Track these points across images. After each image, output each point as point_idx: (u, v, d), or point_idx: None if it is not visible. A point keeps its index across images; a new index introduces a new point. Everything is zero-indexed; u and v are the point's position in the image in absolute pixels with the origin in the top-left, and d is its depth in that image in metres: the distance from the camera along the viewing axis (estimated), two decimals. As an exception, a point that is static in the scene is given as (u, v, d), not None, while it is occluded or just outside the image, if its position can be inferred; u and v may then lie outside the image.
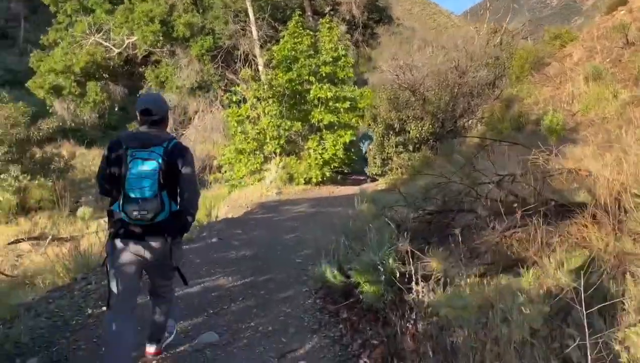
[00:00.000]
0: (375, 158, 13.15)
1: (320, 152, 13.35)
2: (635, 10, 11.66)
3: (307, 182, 13.01)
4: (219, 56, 15.41)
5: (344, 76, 13.95)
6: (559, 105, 9.35)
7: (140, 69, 16.66)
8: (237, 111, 13.81)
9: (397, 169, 12.99)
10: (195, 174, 2.97)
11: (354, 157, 14.89)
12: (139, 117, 2.81)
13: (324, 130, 13.91)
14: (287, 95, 13.44)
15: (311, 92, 13.41)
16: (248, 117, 13.58)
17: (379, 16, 21.19)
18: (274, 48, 13.91)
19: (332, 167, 13.45)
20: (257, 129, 13.34)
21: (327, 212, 9.09)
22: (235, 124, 13.75)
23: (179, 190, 2.79)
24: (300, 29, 14.01)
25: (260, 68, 14.48)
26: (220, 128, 15.79)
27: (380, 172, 13.24)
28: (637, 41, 9.42)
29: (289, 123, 13.23)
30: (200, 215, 8.59)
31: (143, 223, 2.66)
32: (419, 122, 12.40)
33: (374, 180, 14.28)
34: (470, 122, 12.62)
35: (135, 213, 2.61)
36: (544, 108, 9.92)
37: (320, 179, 12.98)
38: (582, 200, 4.45)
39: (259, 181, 13.11)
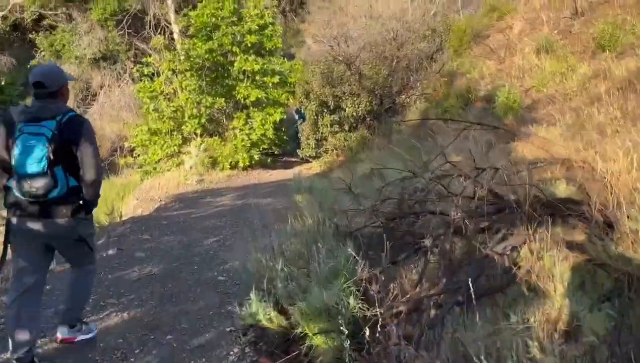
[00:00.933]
0: (308, 138, 12.04)
1: (247, 132, 12.05)
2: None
3: (233, 166, 11.69)
4: (125, 22, 13.33)
5: (272, 47, 12.62)
6: (509, 80, 8.69)
7: (31, 36, 14.20)
8: (150, 86, 12.10)
9: (332, 150, 11.99)
10: (96, 148, 2.74)
11: (284, 138, 13.70)
12: (32, 90, 2.66)
13: (250, 108, 12.59)
14: (207, 68, 11.93)
15: (235, 64, 11.99)
16: (162, 92, 11.92)
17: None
18: (191, 13, 12.23)
19: (260, 149, 12.21)
20: (173, 106, 11.75)
21: (257, 204, 7.93)
22: (148, 101, 12.04)
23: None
24: (221, -9, 12.42)
25: (176, 36, 12.75)
26: (131, 105, 13.90)
27: (314, 153, 12.16)
28: (587, 11, 8.90)
29: (210, 99, 11.77)
30: (100, 214, 7.11)
31: (37, 200, 2.56)
32: (355, 98, 11.40)
33: (306, 161, 13.21)
34: (409, 98, 11.79)
35: (25, 189, 2.52)
36: (492, 83, 9.25)
37: (248, 163, 11.72)
38: (579, 198, 3.62)
39: (177, 166, 11.60)
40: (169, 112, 11.68)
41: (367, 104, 11.40)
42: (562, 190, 3.95)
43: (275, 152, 13.71)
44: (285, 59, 13.50)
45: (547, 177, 4.17)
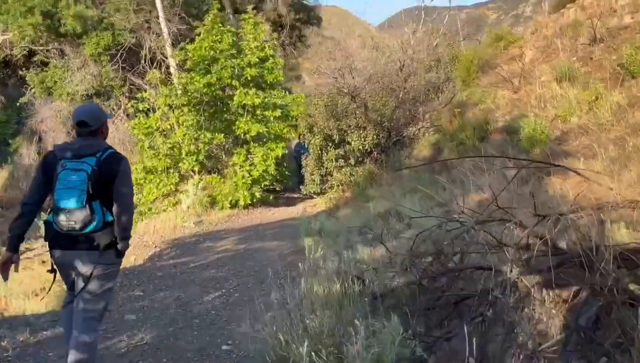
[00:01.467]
0: (313, 174, 11.47)
1: (248, 168, 11.46)
2: (588, 6, 10.93)
3: (234, 205, 11.06)
4: (120, 56, 12.87)
5: (273, 80, 12.20)
6: (528, 110, 8.18)
7: (21, 72, 13.74)
8: (145, 122, 11.58)
9: (338, 185, 11.41)
10: (131, 185, 2.95)
11: (286, 173, 13.12)
12: (75, 129, 2.86)
13: (251, 143, 12.05)
14: (205, 103, 11.46)
15: (235, 98, 11.52)
16: (158, 128, 11.38)
17: (306, 16, 19.61)
18: (189, 47, 11.84)
19: (262, 186, 11.58)
20: (169, 142, 11.21)
21: (262, 249, 7.27)
22: (143, 138, 11.51)
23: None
24: (220, 24, 12.05)
25: (172, 70, 12.34)
26: (125, 142, 13.33)
27: (319, 189, 11.57)
28: (605, 37, 8.48)
29: (208, 135, 11.24)
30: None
31: (74, 233, 2.68)
32: (361, 132, 10.90)
33: (310, 198, 12.61)
34: (419, 131, 11.30)
35: (63, 223, 2.64)
36: (509, 113, 8.76)
37: (249, 201, 11.09)
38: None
39: (174, 206, 10.95)
40: (165, 149, 11.14)
41: (374, 137, 10.90)
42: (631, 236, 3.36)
43: (277, 188, 13.12)
44: (287, 92, 13.07)
45: (609, 219, 3.57)
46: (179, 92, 11.36)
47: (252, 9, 12.79)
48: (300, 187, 12.10)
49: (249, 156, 11.80)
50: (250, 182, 11.24)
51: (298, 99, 12.48)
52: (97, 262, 2.73)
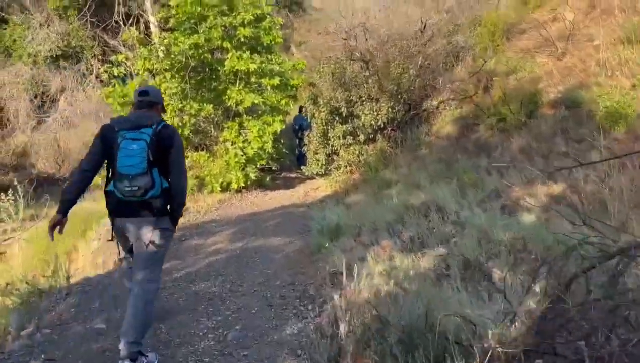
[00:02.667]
0: (317, 153, 10.03)
1: (241, 145, 10.00)
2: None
3: (225, 188, 9.63)
4: (89, 10, 11.01)
5: (270, 42, 10.59)
6: (589, 78, 6.79)
7: (-24, 30, 11.96)
8: (121, 89, 9.97)
9: (345, 166, 10.00)
10: (184, 156, 3.20)
11: (283, 150, 11.64)
12: (135, 99, 3.16)
13: (244, 116, 10.55)
14: (192, 68, 9.86)
15: (226, 63, 9.96)
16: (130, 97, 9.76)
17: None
18: (173, 2, 10.16)
19: (257, 165, 10.12)
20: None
21: (263, 249, 5.90)
22: (119, 108, 9.91)
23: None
24: (209, -24, 10.39)
25: (153, 29, 10.67)
26: (99, 113, 11.69)
27: (323, 171, 10.14)
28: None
29: (195, 106, 9.72)
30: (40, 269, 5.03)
31: (135, 199, 2.89)
32: (374, 104, 9.44)
33: (310, 179, 11.20)
34: (444, 104, 9.86)
35: (127, 189, 2.85)
36: (561, 83, 7.35)
37: (242, 184, 9.63)
38: None
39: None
40: (145, 121, 9.57)
41: (389, 110, 9.46)
42: None
43: (273, 168, 11.68)
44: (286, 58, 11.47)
45: None
46: (161, 54, 9.76)
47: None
48: (302, 167, 10.66)
49: (242, 131, 10.32)
50: (244, 161, 9.80)
51: (299, 65, 10.92)
52: (154, 226, 2.99)
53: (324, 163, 10.03)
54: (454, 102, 10.06)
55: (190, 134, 10.05)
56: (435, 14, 10.26)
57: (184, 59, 9.71)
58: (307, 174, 10.58)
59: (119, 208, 2.95)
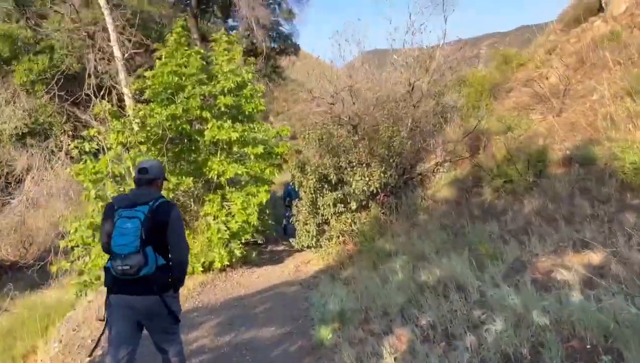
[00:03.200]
0: (306, 223, 9.32)
1: (224, 219, 9.27)
2: (620, 17, 9.48)
3: (207, 268, 8.77)
4: (57, 83, 10.40)
5: (252, 110, 10.13)
6: (594, 133, 6.39)
7: (-61, 109, 11.30)
8: (93, 165, 9.25)
9: (337, 236, 9.31)
10: (183, 231, 3.27)
11: (270, 222, 10.93)
12: (135, 177, 3.24)
13: (226, 188, 9.89)
14: (169, 139, 9.28)
15: (206, 133, 9.45)
16: (109, 174, 9.07)
17: (283, 44, 17.87)
18: (148, 73, 9.75)
19: (242, 240, 9.34)
20: (124, 191, 8.86)
21: (256, 344, 5.06)
22: (90, 185, 9.13)
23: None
24: (185, 46, 10.06)
25: (127, 101, 10.18)
26: (70, 192, 10.89)
27: (313, 242, 9.39)
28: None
29: (174, 179, 9.06)
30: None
31: (129, 277, 2.92)
32: (365, 169, 8.91)
33: (298, 251, 10.42)
34: (434, 167, 9.41)
35: (119, 267, 2.91)
36: (566, 140, 6.94)
37: (227, 262, 8.80)
38: None
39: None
40: (118, 199, 8.81)
41: (381, 175, 8.92)
42: None
43: (259, 241, 10.91)
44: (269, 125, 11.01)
45: None
46: (136, 126, 9.18)
47: (222, 35, 10.83)
48: (290, 239, 9.90)
49: (224, 204, 9.63)
50: (227, 237, 9.02)
51: (283, 132, 10.44)
52: (155, 304, 3.01)
53: (314, 234, 9.32)
54: (447, 164, 9.64)
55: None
56: (421, 75, 10.03)
57: (160, 131, 9.16)
58: (296, 246, 9.82)
59: (114, 285, 3.02)
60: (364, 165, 9.05)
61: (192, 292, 7.80)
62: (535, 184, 6.33)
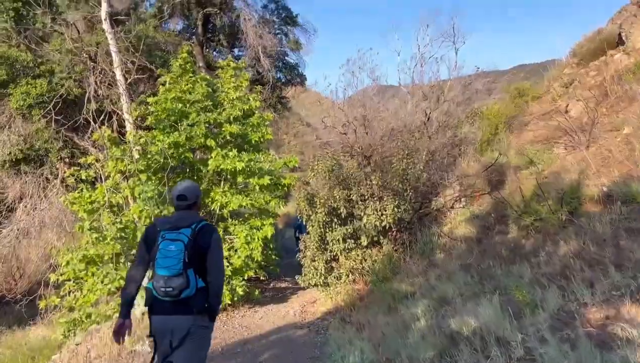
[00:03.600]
0: (314, 260, 8.73)
1: (226, 254, 8.65)
2: (643, 50, 9.14)
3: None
4: (54, 107, 9.88)
5: (259, 140, 9.69)
6: (633, 169, 5.90)
7: None
8: (89, 194, 8.76)
9: (347, 275, 8.71)
10: (222, 255, 3.33)
11: (274, 257, 10.32)
12: (175, 202, 3.35)
13: (229, 220, 9.35)
14: (171, 168, 8.77)
15: (210, 162, 8.95)
16: (105, 204, 8.56)
17: (289, 74, 17.65)
18: (151, 100, 9.35)
19: (244, 277, 8.73)
20: (121, 222, 8.32)
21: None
22: (86, 216, 8.61)
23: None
24: (191, 72, 9.70)
25: (129, 128, 9.75)
26: (63, 222, 10.33)
27: (321, 281, 8.77)
28: None
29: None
30: None
31: (171, 299, 3.00)
32: (377, 203, 8.39)
33: (302, 289, 9.80)
34: (450, 202, 8.89)
35: (162, 289, 2.98)
36: (601, 176, 6.43)
37: (228, 302, 8.18)
38: None
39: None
40: (114, 231, 8.24)
41: (394, 210, 8.38)
42: None
43: (261, 277, 10.30)
44: (275, 156, 10.52)
45: None
46: (136, 154, 8.70)
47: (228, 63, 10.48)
48: (296, 277, 9.28)
49: (227, 237, 9.05)
50: (229, 273, 8.41)
51: (291, 162, 9.96)
52: (191, 324, 3.03)
53: (322, 271, 8.71)
54: (464, 199, 9.13)
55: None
56: (435, 106, 9.63)
57: (162, 159, 8.67)
58: (301, 283, 9.18)
59: (155, 306, 3.07)
60: (376, 198, 8.53)
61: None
62: (570, 223, 5.79)
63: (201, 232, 3.12)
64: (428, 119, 8.75)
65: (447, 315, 5.43)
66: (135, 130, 9.52)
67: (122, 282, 8.31)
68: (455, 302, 5.82)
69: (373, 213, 8.44)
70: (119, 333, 3.11)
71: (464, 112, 11.22)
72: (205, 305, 3.12)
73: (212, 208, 9.19)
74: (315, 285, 8.91)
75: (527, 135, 10.01)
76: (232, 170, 8.90)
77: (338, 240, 8.71)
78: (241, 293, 8.38)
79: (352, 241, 8.78)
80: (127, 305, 3.16)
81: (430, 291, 6.77)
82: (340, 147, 9.10)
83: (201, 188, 9.92)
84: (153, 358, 3.15)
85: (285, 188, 9.84)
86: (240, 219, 9.79)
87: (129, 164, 8.37)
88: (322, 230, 8.77)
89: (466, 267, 7.07)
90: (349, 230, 8.73)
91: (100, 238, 8.35)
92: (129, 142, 8.75)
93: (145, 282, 3.26)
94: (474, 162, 10.13)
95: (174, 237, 3.03)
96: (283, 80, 17.82)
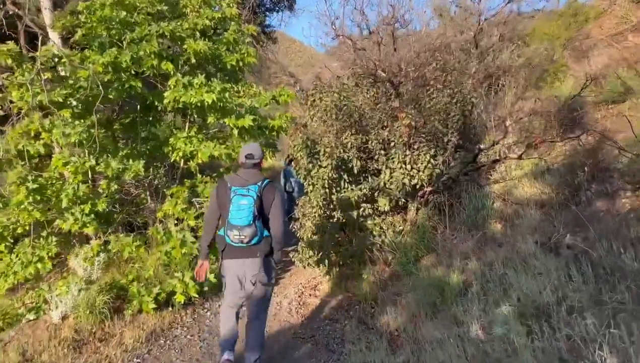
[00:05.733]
0: (316, 233, 6.20)
1: (192, 223, 6.11)
2: None
3: (164, 304, 5.57)
4: None
5: (237, 64, 6.88)
6: None
7: None
8: (-5, 140, 5.99)
9: (361, 253, 6.26)
10: (284, 208, 3.86)
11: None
12: (243, 160, 3.78)
13: (198, 177, 6.73)
14: (119, 107, 6.01)
15: (166, 94, 6.17)
16: (10, 151, 5.83)
17: (271, -2, 14.44)
18: (82, 5, 6.41)
19: (218, 257, 6.15)
20: (35, 181, 5.59)
21: None
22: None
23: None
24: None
25: (56, 45, 6.86)
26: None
27: (326, 260, 6.28)
28: None
29: (114, 164, 5.78)
30: None
31: (241, 245, 3.58)
32: (406, 153, 5.82)
33: (293, 264, 7.28)
34: (500, 151, 6.35)
35: (236, 237, 3.53)
36: None
37: (195, 294, 5.63)
38: None
39: (41, 310, 5.38)
40: (25, 193, 5.52)
41: (430, 161, 5.85)
42: None
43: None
44: (260, 89, 7.72)
45: None
46: (58, 74, 5.89)
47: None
48: (291, 255, 6.72)
49: (195, 201, 6.44)
50: (197, 251, 5.84)
51: (282, 96, 7.18)
52: (260, 266, 3.65)
53: (327, 247, 6.21)
54: (517, 147, 6.59)
55: (107, 210, 6.02)
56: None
57: (94, 86, 5.85)
58: (298, 262, 6.66)
59: (228, 250, 3.67)
60: (406, 145, 5.94)
61: (134, 351, 4.61)
62: None
63: (267, 190, 3.64)
64: (481, 29, 6.06)
65: (559, 338, 3.01)
66: (61, 48, 6.60)
67: (41, 268, 5.71)
68: (561, 315, 3.39)
69: (400, 167, 5.89)
70: (202, 271, 3.85)
71: (504, 36, 8.50)
72: (269, 249, 3.70)
73: (172, 160, 6.52)
74: (317, 265, 6.41)
75: (597, 61, 7.39)
76: (199, 105, 6.15)
77: (349, 204, 6.19)
78: (214, 280, 5.82)
79: (369, 206, 6.26)
80: (205, 249, 3.84)
81: (500, 285, 4.31)
82: (351, 73, 6.39)
83: (159, 133, 7.23)
84: (223, 293, 3.83)
85: (275, 133, 7.14)
86: (215, 175, 7.18)
87: (39, 94, 5.55)
88: (327, 191, 6.20)
89: (550, 247, 4.60)
90: (364, 190, 6.19)
91: (1, 205, 5.67)
92: (43, 59, 5.85)
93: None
94: (522, 99, 7.55)
95: (245, 193, 3.54)
96: (267, 4, 14.65)
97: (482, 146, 6.46)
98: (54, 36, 7.13)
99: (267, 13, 14.53)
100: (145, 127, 7.15)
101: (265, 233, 3.63)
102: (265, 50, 15.27)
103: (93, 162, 5.77)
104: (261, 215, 3.58)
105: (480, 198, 5.92)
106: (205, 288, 5.92)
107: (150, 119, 7.18)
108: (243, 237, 3.47)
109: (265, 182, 3.66)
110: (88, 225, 5.76)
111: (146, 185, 7.12)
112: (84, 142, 5.80)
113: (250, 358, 3.75)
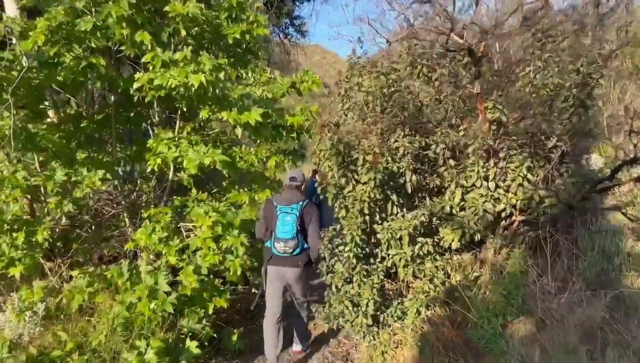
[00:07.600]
0: (350, 282, 4.15)
1: (174, 261, 4.14)
2: None
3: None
4: None
5: (243, 38, 4.90)
6: None
7: None
8: None
9: (417, 311, 4.15)
10: (320, 225, 4.15)
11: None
12: (288, 183, 4.16)
13: (193, 193, 4.81)
14: (65, 87, 4.17)
15: (138, 76, 4.26)
16: None
17: (304, -14, 12.50)
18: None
19: (209, 310, 4.21)
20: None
21: None
22: None
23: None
24: None
25: (12, 12, 5.15)
26: None
27: (366, 322, 4.20)
28: None
29: (59, 175, 3.88)
30: None
31: (286, 255, 4.01)
32: (490, 163, 3.70)
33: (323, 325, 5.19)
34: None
35: (282, 248, 3.97)
36: None
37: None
38: None
39: None
40: None
41: (524, 179, 3.70)
42: None
43: (241, 288, 5.64)
44: (275, 73, 5.72)
45: None
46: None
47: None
48: (314, 310, 4.64)
49: (181, 225, 4.53)
50: (174, 306, 3.87)
51: (306, 83, 5.15)
52: (300, 272, 4.06)
53: (370, 305, 4.13)
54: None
55: (53, 238, 4.14)
56: None
57: (26, 67, 4.02)
58: (323, 321, 4.58)
59: (273, 259, 4.05)
60: (488, 154, 3.85)
61: None
62: None
63: (307, 209, 4.00)
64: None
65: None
66: (20, 16, 4.85)
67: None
68: None
69: (480, 185, 3.80)
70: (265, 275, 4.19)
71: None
72: (308, 259, 4.09)
73: (150, 169, 4.60)
74: (352, 326, 4.33)
75: None
76: (184, 91, 4.22)
77: (400, 238, 4.13)
78: (195, 352, 3.82)
79: (429, 241, 4.18)
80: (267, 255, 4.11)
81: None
82: (406, 47, 4.36)
83: (139, 132, 5.38)
84: (262, 295, 4.32)
85: (294, 133, 5.14)
86: (220, 191, 5.29)
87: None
88: (367, 218, 4.15)
89: None
90: (422, 217, 4.11)
91: None
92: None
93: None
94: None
95: (289, 211, 3.96)
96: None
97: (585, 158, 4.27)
98: (10, 4, 5.38)
99: (297, 2, 12.54)
100: (123, 126, 5.31)
101: (305, 245, 4.04)
102: (295, 47, 13.33)
103: (24, 173, 3.91)
104: (302, 230, 3.99)
105: (609, 236, 3.74)
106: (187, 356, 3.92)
107: (132, 115, 5.33)
108: (287, 247, 3.92)
109: (305, 202, 4.01)
110: (17, 263, 3.90)
111: (123, 203, 5.25)
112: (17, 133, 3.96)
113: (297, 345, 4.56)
